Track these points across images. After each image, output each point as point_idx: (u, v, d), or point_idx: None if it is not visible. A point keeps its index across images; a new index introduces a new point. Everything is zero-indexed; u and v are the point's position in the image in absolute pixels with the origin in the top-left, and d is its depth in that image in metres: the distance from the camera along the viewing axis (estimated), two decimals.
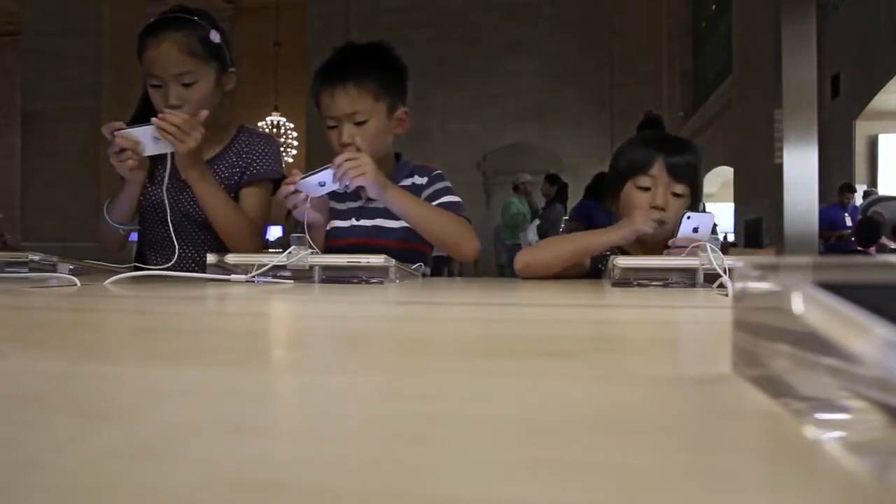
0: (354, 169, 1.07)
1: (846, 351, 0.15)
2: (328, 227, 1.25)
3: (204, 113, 1.12)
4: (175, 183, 1.24)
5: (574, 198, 5.14)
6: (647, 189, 1.18)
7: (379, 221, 1.25)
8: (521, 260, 1.15)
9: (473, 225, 1.25)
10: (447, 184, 1.30)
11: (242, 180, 1.26)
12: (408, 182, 1.28)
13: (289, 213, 1.14)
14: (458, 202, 1.27)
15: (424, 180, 1.29)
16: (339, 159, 1.07)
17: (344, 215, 1.28)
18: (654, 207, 1.15)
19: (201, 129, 1.10)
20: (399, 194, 1.15)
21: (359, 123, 1.18)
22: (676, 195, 1.17)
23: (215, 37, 1.19)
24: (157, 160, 1.18)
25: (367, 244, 1.21)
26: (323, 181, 1.07)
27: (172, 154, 1.13)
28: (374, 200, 1.23)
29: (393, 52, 1.26)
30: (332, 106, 1.18)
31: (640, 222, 1.10)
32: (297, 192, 1.07)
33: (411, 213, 1.16)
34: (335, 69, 1.19)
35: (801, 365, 0.17)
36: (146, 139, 1.09)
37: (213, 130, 1.24)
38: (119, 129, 1.08)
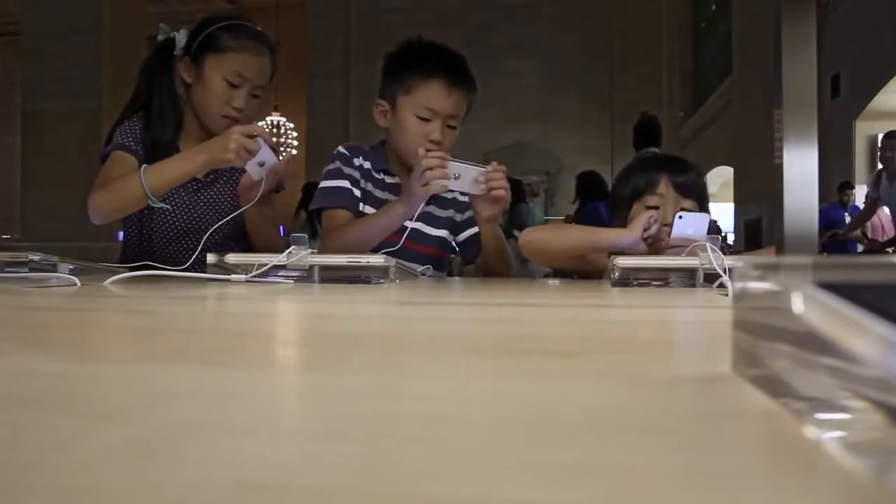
0: (502, 181, 1.08)
1: (846, 351, 0.15)
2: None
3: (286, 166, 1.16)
4: (193, 182, 1.24)
5: (563, 197, 5.16)
6: (655, 208, 1.17)
7: (419, 225, 1.25)
8: (525, 237, 1.18)
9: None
10: None
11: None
12: (449, 195, 1.30)
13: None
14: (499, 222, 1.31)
15: (467, 197, 1.31)
16: (497, 167, 1.08)
17: None
18: (666, 225, 1.14)
19: None
20: (495, 224, 1.19)
21: (451, 127, 1.21)
22: (685, 211, 1.17)
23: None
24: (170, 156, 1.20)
25: (404, 246, 1.21)
26: (459, 174, 1.05)
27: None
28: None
29: None
30: (444, 102, 1.19)
31: (643, 225, 1.08)
32: (439, 168, 1.05)
33: (495, 244, 1.20)
34: (450, 67, 1.21)
35: (801, 365, 0.17)
36: (258, 156, 1.09)
37: None
38: (263, 142, 1.09)
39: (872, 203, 4.30)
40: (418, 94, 1.19)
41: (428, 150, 1.12)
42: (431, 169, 1.05)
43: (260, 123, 10.26)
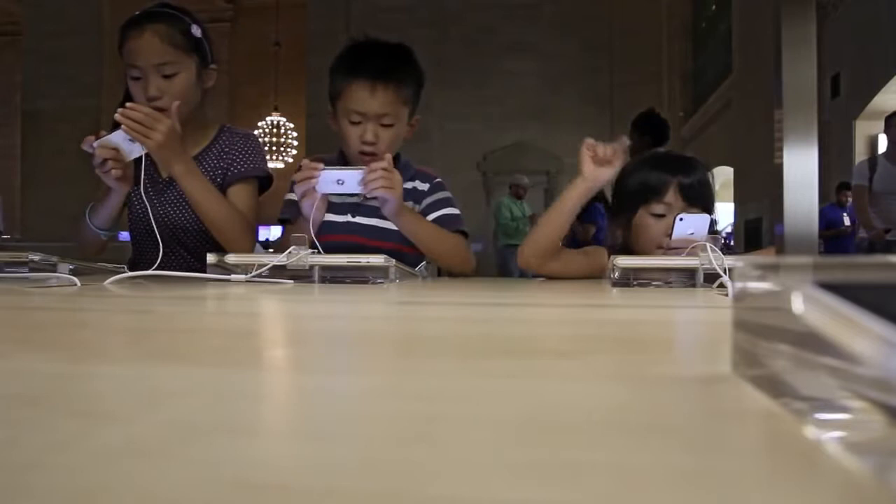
0: (386, 181, 1.05)
1: (846, 351, 0.15)
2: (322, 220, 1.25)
3: (175, 104, 1.10)
4: (154, 185, 1.24)
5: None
6: (661, 216, 1.16)
7: (376, 221, 1.24)
8: (520, 253, 1.17)
9: (473, 225, 1.25)
10: (448, 194, 1.29)
11: (226, 180, 1.25)
12: (409, 186, 1.27)
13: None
14: (458, 215, 1.27)
15: (426, 187, 1.28)
16: (375, 165, 1.05)
17: (339, 209, 1.25)
18: (668, 236, 1.13)
19: (171, 123, 1.08)
20: (411, 217, 1.16)
21: (385, 126, 1.18)
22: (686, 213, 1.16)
23: (196, 31, 1.19)
24: (139, 164, 1.18)
25: (363, 244, 1.20)
26: (343, 179, 1.05)
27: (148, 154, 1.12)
28: (373, 199, 1.22)
29: (415, 56, 1.25)
30: (366, 104, 1.16)
31: (588, 162, 1.10)
32: (312, 179, 1.05)
33: (417, 234, 1.17)
34: (372, 65, 1.17)
35: (801, 365, 0.17)
36: (123, 143, 1.08)
37: (194, 129, 1.23)
38: (95, 141, 1.07)
39: (861, 192, 3.66)
40: (349, 97, 1.17)
41: (364, 154, 1.15)
42: (299, 182, 1.06)
43: (260, 123, 10.26)
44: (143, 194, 1.15)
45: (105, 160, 1.07)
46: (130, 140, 1.07)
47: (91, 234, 1.19)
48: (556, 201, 1.17)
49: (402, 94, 1.18)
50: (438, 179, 1.31)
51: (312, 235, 1.00)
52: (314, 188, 1.04)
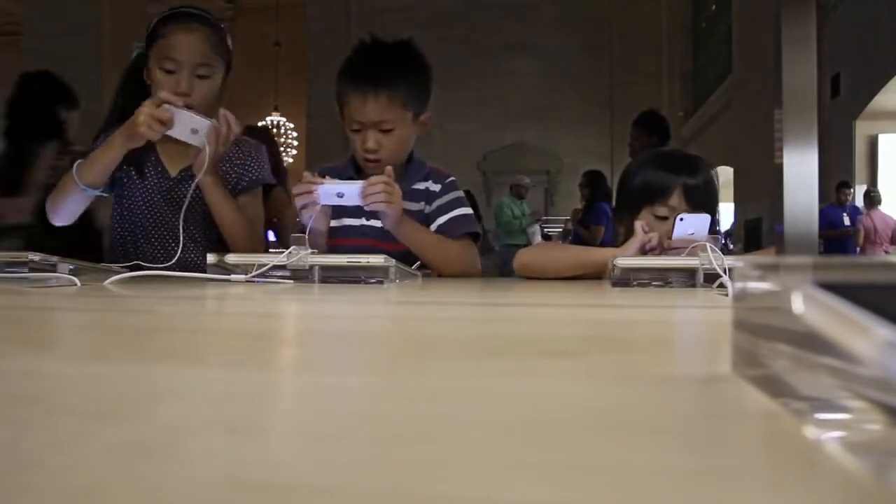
0: (385, 195, 1.05)
1: (846, 351, 0.15)
2: (338, 224, 1.24)
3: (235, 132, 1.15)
4: (164, 182, 1.24)
5: (563, 198, 5.20)
6: (664, 218, 1.16)
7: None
8: (519, 260, 1.16)
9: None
10: (460, 194, 1.29)
11: (239, 188, 1.27)
12: (422, 186, 1.27)
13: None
14: (470, 215, 1.27)
15: (438, 188, 1.27)
16: (375, 180, 1.05)
17: (354, 213, 1.26)
18: (670, 236, 1.12)
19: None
20: (411, 229, 1.15)
21: (385, 131, 1.17)
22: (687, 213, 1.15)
23: (230, 41, 1.23)
24: (146, 157, 1.19)
25: (374, 246, 1.20)
26: (343, 193, 1.05)
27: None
28: None
29: (420, 52, 1.24)
30: (361, 112, 1.16)
31: (640, 244, 1.08)
32: (311, 193, 1.05)
33: (419, 247, 1.16)
34: (365, 72, 1.17)
35: (801, 365, 0.17)
36: (183, 123, 1.09)
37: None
38: (170, 105, 1.08)
39: None
40: (346, 106, 1.19)
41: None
42: (303, 193, 1.04)
43: (260, 123, 10.27)
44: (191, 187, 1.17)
45: (160, 121, 1.08)
46: (194, 130, 1.10)
47: (71, 188, 1.15)
48: (584, 251, 1.15)
49: (398, 99, 1.17)
50: (451, 179, 1.30)
51: (307, 243, 1.00)
52: (314, 200, 1.05)
